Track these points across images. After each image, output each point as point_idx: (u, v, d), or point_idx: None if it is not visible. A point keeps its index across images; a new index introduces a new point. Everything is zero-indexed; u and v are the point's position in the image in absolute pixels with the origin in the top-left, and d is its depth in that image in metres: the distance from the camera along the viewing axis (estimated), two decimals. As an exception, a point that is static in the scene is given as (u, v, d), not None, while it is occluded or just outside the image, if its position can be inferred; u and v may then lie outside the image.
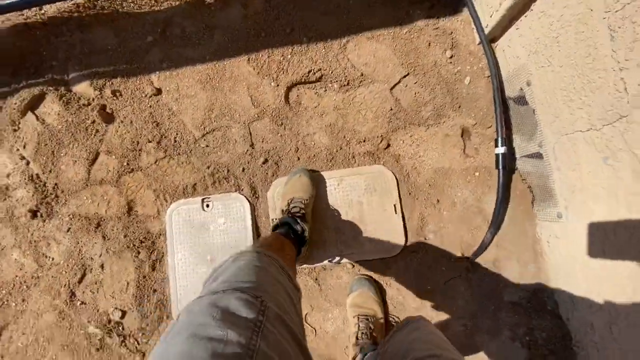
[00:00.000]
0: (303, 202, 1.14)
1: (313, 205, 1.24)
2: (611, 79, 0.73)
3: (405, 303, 1.22)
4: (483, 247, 1.14)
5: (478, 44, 1.18)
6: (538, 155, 1.07)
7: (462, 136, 1.22)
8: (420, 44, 1.25)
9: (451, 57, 1.23)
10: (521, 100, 1.09)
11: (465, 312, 1.17)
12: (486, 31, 1.10)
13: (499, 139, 1.07)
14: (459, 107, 1.23)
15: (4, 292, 1.39)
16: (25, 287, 1.38)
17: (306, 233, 1.02)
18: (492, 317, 1.14)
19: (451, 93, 1.23)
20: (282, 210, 1.16)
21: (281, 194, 1.25)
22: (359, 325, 1.12)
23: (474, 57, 1.21)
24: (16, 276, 1.39)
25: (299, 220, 1.03)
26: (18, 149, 1.42)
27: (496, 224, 1.12)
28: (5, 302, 1.38)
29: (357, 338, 1.10)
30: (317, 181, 1.28)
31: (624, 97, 0.70)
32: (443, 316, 1.19)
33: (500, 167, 1.07)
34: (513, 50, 1.07)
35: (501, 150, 1.06)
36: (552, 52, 0.89)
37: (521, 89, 1.05)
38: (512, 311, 1.13)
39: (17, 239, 1.40)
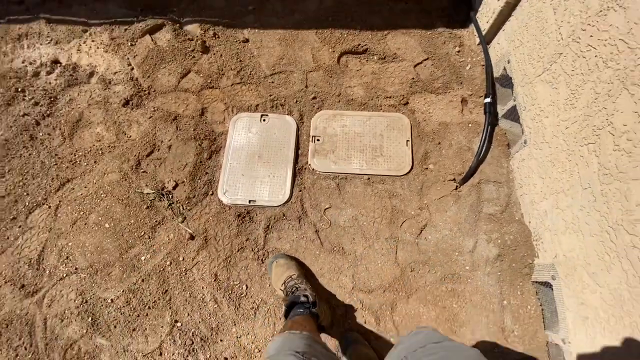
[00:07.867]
0: (293, 277, 1.25)
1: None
2: (554, 35, 1.23)
3: (406, 211, 1.54)
4: (470, 173, 1.51)
5: (477, 44, 1.74)
6: (512, 115, 1.53)
7: (461, 102, 1.70)
8: (438, 41, 1.82)
9: (458, 51, 1.78)
10: (504, 79, 1.59)
11: (453, 220, 1.49)
12: (483, 33, 1.67)
13: (488, 92, 1.54)
14: (461, 83, 1.73)
15: (79, 154, 1.68)
16: (100, 152, 1.68)
17: (311, 298, 1.13)
18: (472, 222, 1.46)
19: (456, 74, 1.75)
20: (283, 298, 1.23)
21: (274, 285, 1.35)
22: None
23: (474, 52, 1.76)
24: (94, 145, 1.70)
25: (299, 292, 1.15)
26: (128, 58, 1.87)
27: (480, 155, 1.52)
28: (77, 162, 1.67)
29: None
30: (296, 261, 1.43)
31: (561, 42, 1.20)
32: (434, 221, 1.50)
33: (487, 112, 1.52)
34: (500, 45, 1.62)
35: (488, 100, 1.53)
36: (522, 34, 1.42)
37: (504, 67, 1.57)
38: (488, 220, 1.46)
39: (105, 118, 1.75)
